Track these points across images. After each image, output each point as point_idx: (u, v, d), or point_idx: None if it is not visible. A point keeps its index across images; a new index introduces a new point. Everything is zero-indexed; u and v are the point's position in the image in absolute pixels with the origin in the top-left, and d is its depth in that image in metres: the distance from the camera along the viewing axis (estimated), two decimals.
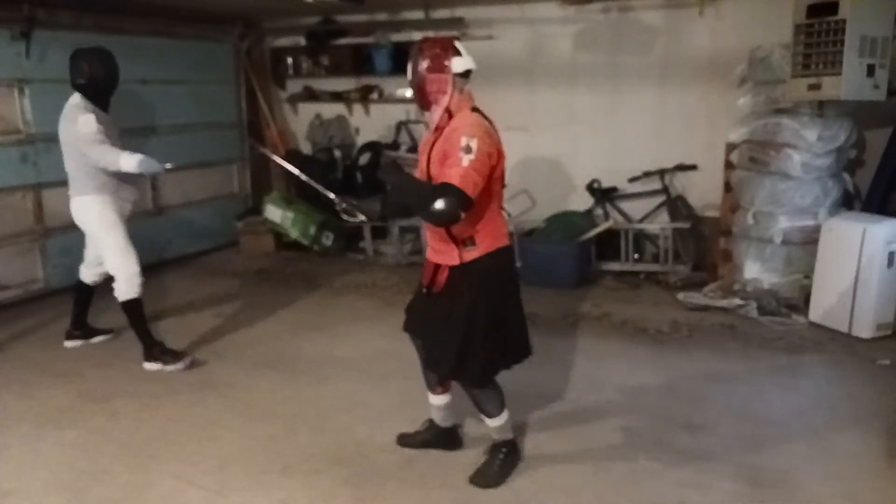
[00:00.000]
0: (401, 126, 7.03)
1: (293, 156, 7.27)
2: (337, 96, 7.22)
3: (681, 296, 5.17)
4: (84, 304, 4.45)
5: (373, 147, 7.06)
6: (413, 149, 6.90)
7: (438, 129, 2.64)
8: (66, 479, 2.97)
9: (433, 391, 3.01)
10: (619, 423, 3.37)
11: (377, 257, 6.50)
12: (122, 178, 4.00)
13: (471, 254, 2.64)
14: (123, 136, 4.21)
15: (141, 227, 6.11)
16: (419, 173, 2.73)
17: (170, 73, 6.35)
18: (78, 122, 3.83)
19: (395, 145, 6.99)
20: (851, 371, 3.96)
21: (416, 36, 6.65)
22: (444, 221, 2.52)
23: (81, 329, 4.48)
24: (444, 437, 3.11)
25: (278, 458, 3.10)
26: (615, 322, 4.79)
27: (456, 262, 2.65)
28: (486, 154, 2.52)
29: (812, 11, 4.38)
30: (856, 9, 4.18)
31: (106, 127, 3.92)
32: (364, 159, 7.08)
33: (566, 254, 5.58)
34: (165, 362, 4.06)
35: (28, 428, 3.41)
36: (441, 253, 2.70)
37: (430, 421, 3.13)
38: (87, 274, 4.35)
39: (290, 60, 7.38)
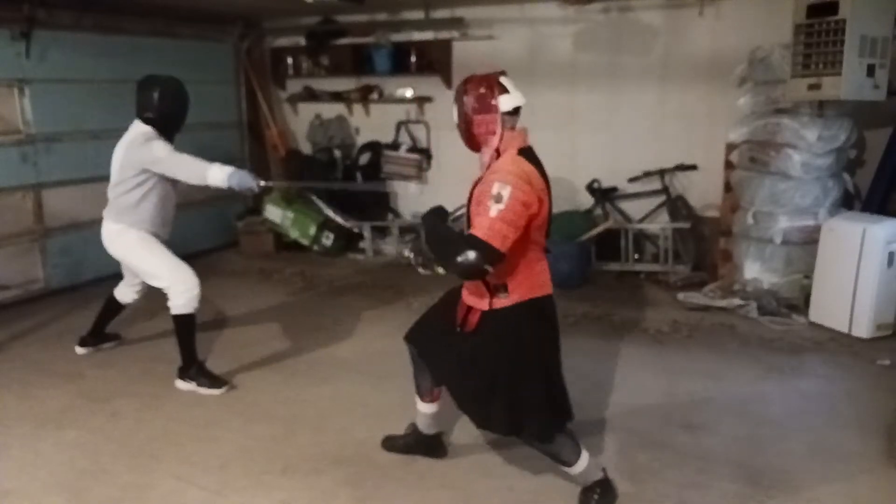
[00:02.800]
0: (401, 126, 7.04)
1: (293, 156, 7.28)
2: (337, 96, 7.22)
3: (681, 296, 5.17)
4: (110, 317, 4.31)
5: (373, 147, 7.06)
6: (413, 149, 6.91)
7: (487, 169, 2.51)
8: (66, 479, 2.97)
9: (422, 398, 2.96)
10: (619, 423, 3.37)
11: (377, 257, 6.50)
12: (159, 217, 3.82)
13: (502, 301, 2.50)
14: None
15: None
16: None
17: (170, 73, 6.32)
18: (153, 148, 3.62)
19: (395, 145, 6.99)
20: (851, 371, 3.97)
21: (416, 36, 6.68)
22: (468, 275, 2.41)
23: (97, 337, 4.34)
24: (426, 444, 3.06)
25: (278, 458, 3.10)
26: (615, 322, 4.79)
27: (486, 307, 2.53)
28: (520, 203, 2.33)
29: (812, 11, 4.38)
30: (856, 9, 4.18)
31: None
32: (364, 159, 7.09)
33: (566, 254, 5.57)
34: (200, 384, 3.80)
35: (28, 428, 3.40)
36: (473, 295, 2.58)
37: (414, 426, 3.07)
38: (126, 293, 4.20)
39: (290, 60, 7.38)
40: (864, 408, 3.51)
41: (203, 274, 6.22)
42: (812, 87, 4.41)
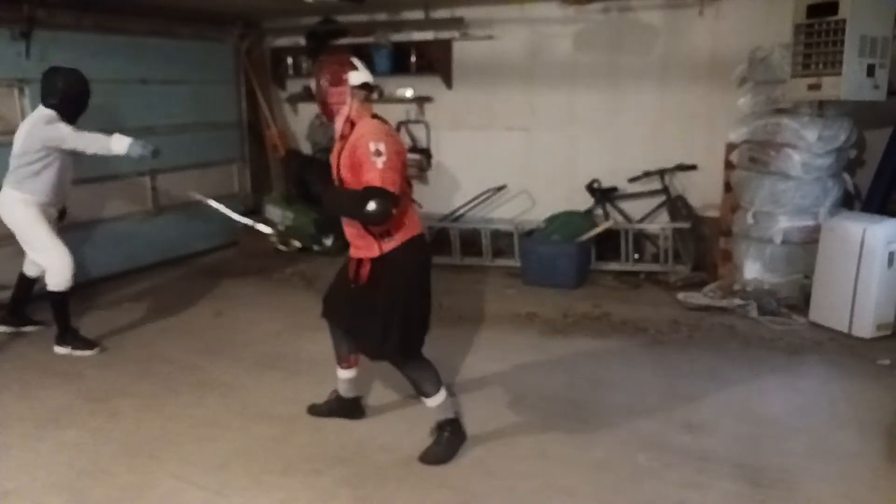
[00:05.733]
0: (401, 126, 7.03)
1: (293, 156, 7.28)
2: None
3: (681, 296, 5.17)
4: (25, 294, 4.59)
5: None
6: (413, 149, 6.91)
7: (343, 138, 2.88)
8: (66, 479, 2.96)
9: (340, 364, 3.34)
10: (619, 423, 3.37)
11: None
12: (56, 186, 4.14)
13: (389, 245, 2.88)
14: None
15: (141, 227, 6.15)
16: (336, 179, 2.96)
17: (170, 73, 6.34)
18: (58, 128, 3.99)
19: None
20: (851, 371, 3.97)
21: (416, 36, 6.69)
22: (379, 220, 2.75)
23: (16, 316, 4.62)
24: (347, 407, 3.43)
25: (278, 458, 3.10)
26: (615, 322, 4.79)
27: (376, 254, 2.89)
28: (395, 153, 2.78)
29: (812, 11, 4.38)
30: (856, 9, 4.18)
31: None
32: None
33: (566, 254, 5.58)
34: (75, 347, 4.26)
35: (28, 428, 3.40)
36: (362, 248, 2.93)
37: (336, 392, 3.44)
38: (30, 267, 4.50)
39: (290, 60, 7.37)
40: (863, 408, 3.51)
41: (203, 274, 6.29)
42: (812, 87, 4.40)
